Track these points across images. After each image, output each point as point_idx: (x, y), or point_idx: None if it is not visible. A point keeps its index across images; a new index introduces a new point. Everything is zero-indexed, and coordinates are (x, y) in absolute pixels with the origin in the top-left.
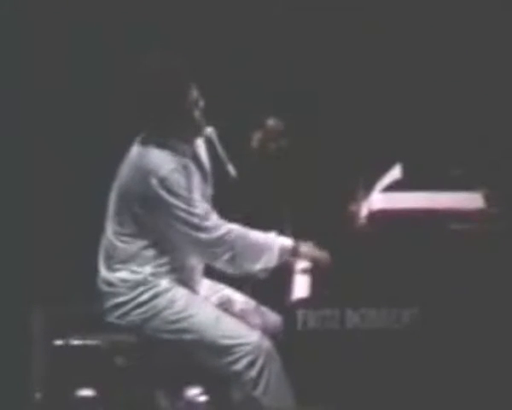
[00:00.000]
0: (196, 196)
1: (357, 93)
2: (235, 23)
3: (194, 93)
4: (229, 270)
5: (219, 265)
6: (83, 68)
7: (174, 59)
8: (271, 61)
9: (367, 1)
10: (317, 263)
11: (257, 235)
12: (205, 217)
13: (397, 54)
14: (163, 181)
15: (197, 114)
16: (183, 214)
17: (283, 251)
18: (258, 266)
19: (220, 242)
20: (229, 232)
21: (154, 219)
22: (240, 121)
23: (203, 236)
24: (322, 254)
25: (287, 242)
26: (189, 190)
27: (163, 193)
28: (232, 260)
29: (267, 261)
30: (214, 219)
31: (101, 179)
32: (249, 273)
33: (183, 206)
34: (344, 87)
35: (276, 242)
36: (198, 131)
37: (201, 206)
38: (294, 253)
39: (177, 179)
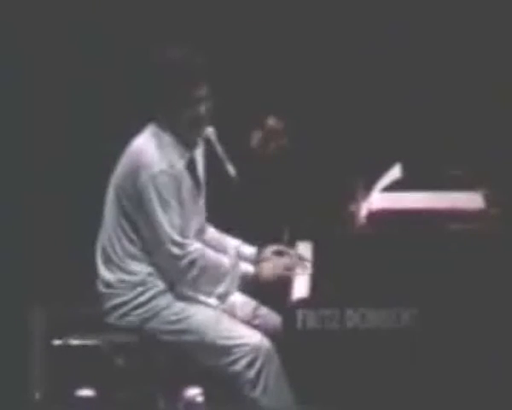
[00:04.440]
0: (179, 207)
1: (357, 93)
2: (235, 23)
3: (205, 90)
4: (188, 290)
5: (182, 282)
6: (84, 63)
7: (192, 51)
8: (271, 60)
9: (366, 1)
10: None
11: (220, 259)
12: (180, 231)
13: (397, 54)
14: (152, 178)
15: (202, 109)
16: (161, 221)
17: (244, 279)
18: (216, 291)
19: (188, 260)
20: (196, 251)
21: (141, 217)
22: (240, 121)
23: (174, 249)
24: (283, 272)
25: (249, 269)
26: (175, 196)
27: (149, 191)
28: (194, 280)
29: (226, 289)
30: (188, 235)
31: (101, 179)
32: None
33: (162, 212)
34: (344, 87)
35: (238, 269)
36: (199, 128)
37: (179, 219)
38: (255, 281)
39: (166, 182)
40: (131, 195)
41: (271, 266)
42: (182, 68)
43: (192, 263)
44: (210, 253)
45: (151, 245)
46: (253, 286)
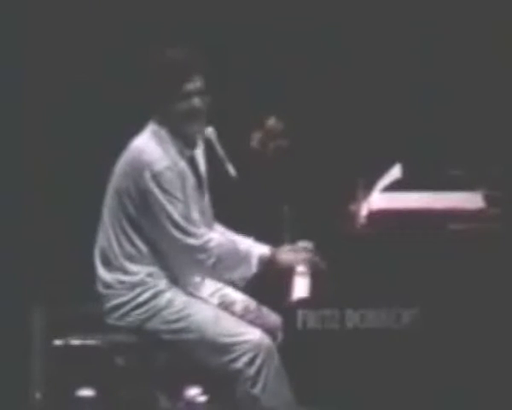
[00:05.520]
0: (184, 204)
1: (358, 93)
2: (235, 22)
3: (199, 83)
4: (210, 278)
5: (201, 272)
6: (84, 62)
7: (182, 49)
8: (271, 60)
9: (366, 2)
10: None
11: (236, 244)
12: (192, 222)
13: (397, 53)
14: (156, 176)
15: (197, 101)
16: (171, 215)
17: (261, 260)
18: (236, 275)
19: (204, 249)
20: (211, 240)
21: (145, 217)
22: (240, 121)
23: (190, 241)
24: (301, 261)
25: (265, 250)
26: (181, 191)
27: (155, 189)
28: (213, 268)
29: (245, 271)
30: (200, 225)
31: (101, 179)
32: (228, 281)
33: (172, 206)
34: (344, 87)
35: (255, 251)
36: (196, 122)
37: (189, 211)
38: (272, 261)
39: (171, 178)
40: (134, 195)
41: (289, 253)
42: (173, 62)
43: (209, 252)
44: (225, 240)
45: (160, 243)
46: (267, 269)
